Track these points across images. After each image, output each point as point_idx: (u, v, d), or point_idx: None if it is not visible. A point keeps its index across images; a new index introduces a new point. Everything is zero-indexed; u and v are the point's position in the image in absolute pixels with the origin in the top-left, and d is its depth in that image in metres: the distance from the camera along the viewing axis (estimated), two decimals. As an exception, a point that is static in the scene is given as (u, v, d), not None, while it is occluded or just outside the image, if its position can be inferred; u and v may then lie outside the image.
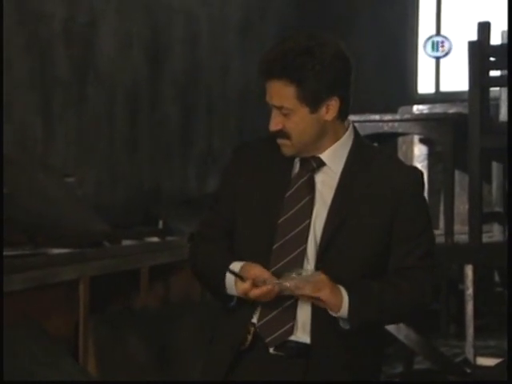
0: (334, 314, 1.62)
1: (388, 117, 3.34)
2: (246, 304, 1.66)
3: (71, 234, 2.98)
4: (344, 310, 1.61)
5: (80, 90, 4.06)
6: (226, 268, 1.65)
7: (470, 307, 3.81)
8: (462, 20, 5.73)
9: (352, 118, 3.53)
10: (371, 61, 5.86)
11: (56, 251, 2.80)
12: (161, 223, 3.88)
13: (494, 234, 3.34)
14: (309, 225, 1.67)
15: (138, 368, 2.99)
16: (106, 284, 3.02)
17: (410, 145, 3.85)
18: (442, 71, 5.89)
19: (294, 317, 1.65)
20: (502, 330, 3.87)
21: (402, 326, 3.35)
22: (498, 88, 3.43)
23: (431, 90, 5.93)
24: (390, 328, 3.36)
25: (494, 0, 5.42)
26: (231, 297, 1.67)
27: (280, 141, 1.69)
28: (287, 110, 1.65)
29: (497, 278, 4.45)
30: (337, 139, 1.70)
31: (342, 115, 1.70)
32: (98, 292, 2.93)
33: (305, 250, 1.66)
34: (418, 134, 3.58)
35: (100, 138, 4.17)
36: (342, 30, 5.90)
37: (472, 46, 2.98)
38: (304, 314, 1.65)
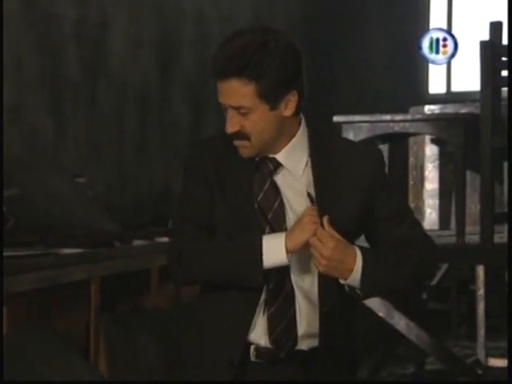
0: (343, 282, 1.60)
1: (399, 117, 3.33)
2: (239, 319, 1.62)
3: (82, 234, 2.98)
4: (357, 273, 1.58)
5: (90, 91, 4.07)
6: (257, 245, 1.58)
7: (481, 308, 3.80)
8: (474, 19, 5.71)
9: (363, 118, 3.55)
10: (382, 61, 5.85)
11: (67, 251, 2.81)
12: (171, 223, 3.88)
13: (505, 234, 3.32)
14: (286, 229, 1.63)
15: (148, 368, 2.99)
16: (117, 284, 3.03)
17: (422, 145, 3.84)
18: (453, 71, 5.87)
19: (295, 327, 1.61)
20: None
21: (412, 326, 3.34)
22: (509, 88, 3.41)
23: (442, 90, 5.91)
24: (401, 328, 3.35)
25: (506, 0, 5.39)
26: (259, 275, 1.59)
27: (238, 142, 1.63)
28: (246, 109, 1.60)
29: (508, 279, 4.43)
30: (292, 136, 1.67)
31: (299, 110, 1.66)
32: (109, 292, 2.93)
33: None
34: (429, 134, 3.56)
35: (110, 139, 4.18)
36: (351, 30, 5.90)
37: (484, 45, 2.97)
38: (304, 322, 1.62)
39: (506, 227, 3.31)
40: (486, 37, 3.09)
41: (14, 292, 2.45)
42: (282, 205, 1.65)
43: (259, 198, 1.65)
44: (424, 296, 4.42)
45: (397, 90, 5.66)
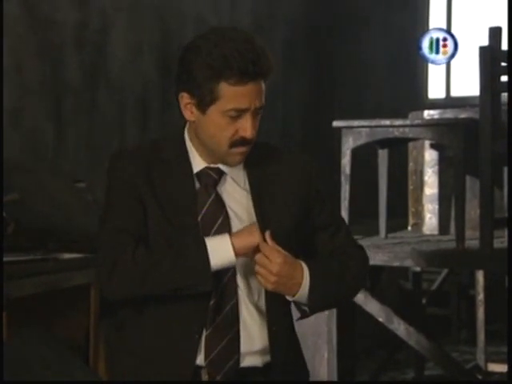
0: (290, 298, 1.54)
1: (398, 122, 3.33)
2: (186, 341, 1.51)
3: (82, 239, 2.98)
4: (305, 288, 1.52)
5: (91, 96, 4.08)
6: (201, 243, 1.50)
7: (481, 313, 3.79)
8: (473, 24, 5.72)
9: (362, 123, 3.55)
10: (381, 66, 5.86)
11: (67, 256, 2.81)
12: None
13: (505, 239, 3.32)
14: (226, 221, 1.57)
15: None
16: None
17: (421, 150, 3.84)
18: (453, 76, 5.88)
19: (238, 347, 1.53)
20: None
21: (412, 331, 3.34)
22: (509, 93, 3.41)
23: (442, 95, 5.92)
24: (401, 333, 3.35)
25: (505, 5, 5.40)
26: (206, 277, 1.49)
27: (243, 149, 1.57)
28: (261, 110, 1.58)
29: (507, 284, 4.43)
30: None
31: None
32: (109, 297, 2.93)
33: (234, 272, 1.56)
34: (428, 139, 3.56)
35: (111, 144, 4.18)
36: (351, 35, 5.91)
37: (483, 51, 2.98)
38: (249, 340, 1.54)
39: (505, 232, 3.31)
40: (486, 42, 3.10)
41: (13, 297, 2.45)
42: (227, 219, 1.58)
43: (202, 212, 1.57)
44: (424, 301, 4.42)
45: (396, 95, 5.67)
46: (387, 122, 3.33)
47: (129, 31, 4.31)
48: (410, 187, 3.98)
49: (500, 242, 3.22)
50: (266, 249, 1.52)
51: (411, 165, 3.97)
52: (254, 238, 1.52)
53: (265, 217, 1.58)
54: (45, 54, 3.78)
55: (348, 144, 3.37)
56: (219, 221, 1.57)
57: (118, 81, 4.25)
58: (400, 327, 3.32)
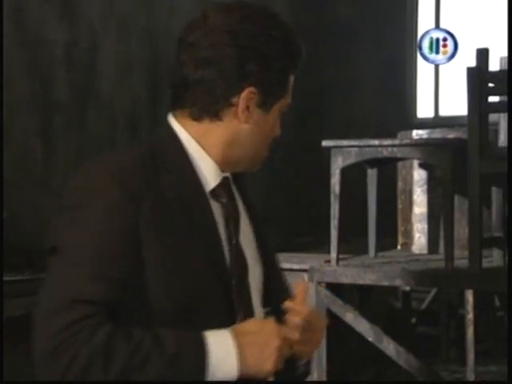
0: (302, 361, 1.29)
1: (387, 142, 3.34)
2: None
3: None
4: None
5: (81, 114, 4.08)
6: (199, 344, 1.10)
7: (470, 332, 3.79)
8: (461, 43, 5.76)
9: (351, 142, 3.56)
10: (370, 85, 5.89)
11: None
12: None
13: (493, 258, 3.32)
14: (246, 264, 1.28)
15: None
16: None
17: (410, 169, 3.86)
18: (441, 95, 5.91)
19: None
20: (503, 355, 3.85)
21: (402, 350, 3.33)
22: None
23: (430, 114, 5.95)
24: (390, 353, 3.34)
25: (493, 26, 5.45)
26: None
27: (266, 153, 1.35)
28: None
29: (497, 303, 4.43)
30: None
31: None
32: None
33: (249, 294, 1.27)
34: (417, 159, 3.58)
35: (100, 162, 4.17)
36: (340, 54, 5.94)
37: (471, 72, 3.00)
38: None
39: (494, 252, 3.32)
40: (473, 62, 3.12)
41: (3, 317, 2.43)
42: (239, 248, 1.26)
43: (234, 240, 1.25)
44: (413, 320, 4.42)
45: (385, 113, 5.69)
46: (376, 142, 3.34)
47: (118, 50, 4.32)
48: (399, 206, 3.99)
49: (488, 261, 3.23)
50: (307, 316, 1.21)
51: (400, 184, 3.99)
52: (270, 366, 1.13)
53: (263, 246, 1.35)
54: (34, 71, 3.78)
55: (337, 163, 3.38)
56: (234, 237, 1.28)
57: (107, 99, 4.25)
58: (389, 346, 3.31)
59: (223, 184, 1.29)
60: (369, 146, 3.35)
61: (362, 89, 5.87)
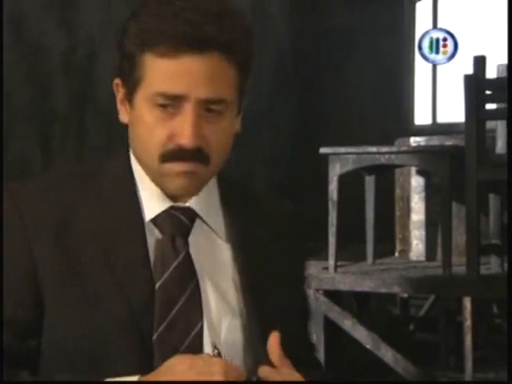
0: None
1: (385, 149, 3.35)
2: None
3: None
4: None
5: (79, 122, 4.08)
6: None
7: (468, 339, 3.79)
8: (459, 52, 5.78)
9: (349, 149, 3.57)
10: (368, 93, 5.90)
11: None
12: None
13: (491, 266, 3.33)
14: (201, 329, 0.98)
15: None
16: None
17: (407, 177, 3.86)
18: (439, 102, 5.93)
19: None
20: (502, 362, 3.85)
21: (400, 358, 3.33)
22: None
23: (428, 121, 5.96)
24: (388, 360, 3.35)
25: (490, 34, 5.47)
26: None
27: (182, 167, 0.99)
28: (224, 107, 1.01)
29: (495, 310, 4.44)
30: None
31: None
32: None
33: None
34: (415, 166, 3.59)
35: (98, 170, 4.18)
36: (338, 62, 5.96)
37: (468, 79, 3.01)
38: None
39: (492, 259, 3.33)
40: (471, 70, 3.13)
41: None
42: (197, 295, 0.98)
43: (163, 278, 0.98)
44: (411, 327, 4.42)
45: (383, 121, 5.70)
46: (374, 149, 3.35)
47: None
48: (397, 213, 3.99)
49: (486, 268, 3.24)
50: (277, 372, 0.94)
51: (398, 191, 3.99)
52: None
53: (257, 294, 1.03)
54: (32, 80, 3.79)
55: (335, 170, 3.38)
56: (187, 293, 0.99)
57: (105, 107, 4.25)
58: (387, 354, 3.31)
59: (172, 214, 1.02)
60: (367, 153, 3.36)
61: (360, 96, 5.88)
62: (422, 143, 3.80)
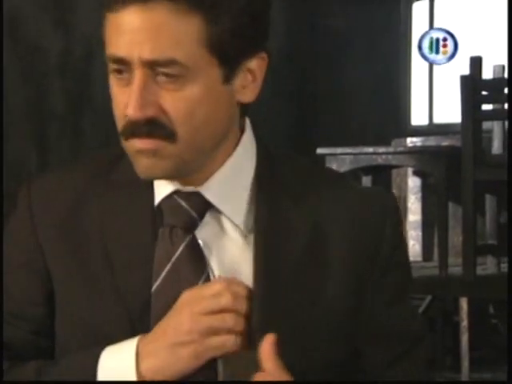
0: None
1: (382, 149, 3.36)
2: None
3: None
4: None
5: (75, 123, 4.08)
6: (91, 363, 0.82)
7: (464, 339, 3.80)
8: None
9: (346, 150, 3.58)
10: (365, 93, 5.91)
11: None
12: None
13: (487, 266, 3.34)
14: None
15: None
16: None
17: (404, 177, 3.87)
18: (436, 102, 5.94)
19: None
20: (498, 362, 3.86)
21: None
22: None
23: (425, 121, 5.97)
24: (385, 361, 3.35)
25: (487, 35, 5.48)
26: None
27: (139, 145, 0.84)
28: (180, 69, 0.81)
29: (492, 310, 4.45)
30: (231, 150, 0.88)
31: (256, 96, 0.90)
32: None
33: None
34: (411, 166, 3.60)
35: (95, 170, 4.18)
36: (334, 62, 5.96)
37: (464, 80, 3.02)
38: None
39: (488, 259, 3.33)
40: (467, 71, 3.14)
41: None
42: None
43: (159, 280, 0.85)
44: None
45: (380, 121, 5.71)
46: (370, 150, 3.36)
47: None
48: (394, 214, 4.00)
49: (482, 269, 3.24)
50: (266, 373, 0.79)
51: (394, 191, 4.00)
52: (191, 360, 0.79)
53: (275, 297, 0.83)
54: (29, 81, 3.78)
55: (332, 171, 3.39)
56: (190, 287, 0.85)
57: (102, 108, 4.25)
58: (384, 354, 3.32)
59: (175, 201, 0.87)
60: (363, 154, 3.37)
61: (357, 97, 5.89)
62: (419, 144, 3.81)
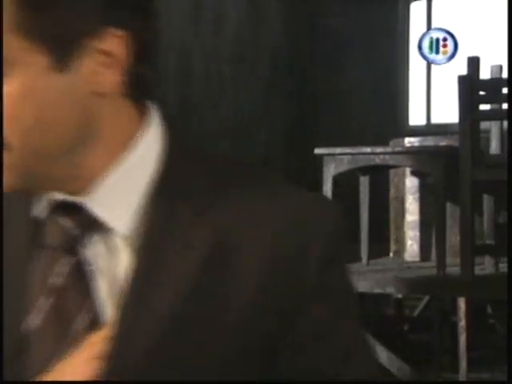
0: None
1: (380, 149, 3.36)
2: None
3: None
4: None
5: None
6: None
7: (462, 339, 3.80)
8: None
9: (344, 150, 3.58)
10: (363, 93, 5.91)
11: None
12: None
13: (485, 266, 3.34)
14: None
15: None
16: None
17: (402, 177, 3.87)
18: (433, 103, 5.94)
19: None
20: (496, 362, 3.86)
21: (394, 358, 3.34)
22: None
23: (422, 121, 5.97)
24: (383, 361, 3.35)
25: (485, 36, 5.48)
26: None
27: None
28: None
29: (490, 310, 4.45)
30: (119, 150, 0.73)
31: (141, 86, 0.74)
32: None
33: None
34: (409, 166, 3.60)
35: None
36: (333, 63, 5.96)
37: (462, 80, 3.02)
38: None
39: (486, 259, 3.33)
40: (464, 71, 3.14)
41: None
42: (91, 313, 0.70)
43: (33, 314, 0.71)
44: (406, 327, 4.43)
45: (378, 121, 5.71)
46: (368, 150, 3.36)
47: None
48: (392, 214, 4.00)
49: (480, 268, 3.24)
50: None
51: (392, 191, 4.00)
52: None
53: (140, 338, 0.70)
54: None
55: (330, 171, 3.39)
56: (75, 322, 0.70)
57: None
58: (382, 354, 3.32)
59: (50, 225, 0.73)
60: (361, 154, 3.36)
61: (355, 96, 5.89)
62: (417, 144, 3.81)
